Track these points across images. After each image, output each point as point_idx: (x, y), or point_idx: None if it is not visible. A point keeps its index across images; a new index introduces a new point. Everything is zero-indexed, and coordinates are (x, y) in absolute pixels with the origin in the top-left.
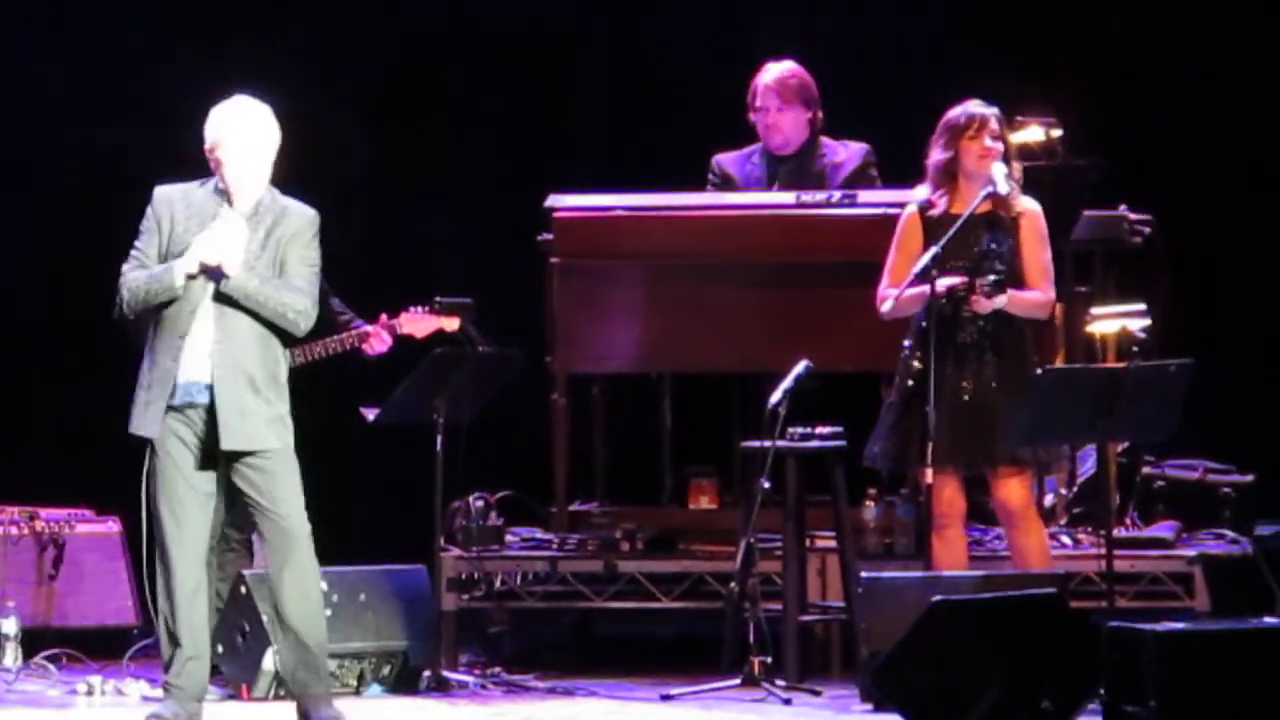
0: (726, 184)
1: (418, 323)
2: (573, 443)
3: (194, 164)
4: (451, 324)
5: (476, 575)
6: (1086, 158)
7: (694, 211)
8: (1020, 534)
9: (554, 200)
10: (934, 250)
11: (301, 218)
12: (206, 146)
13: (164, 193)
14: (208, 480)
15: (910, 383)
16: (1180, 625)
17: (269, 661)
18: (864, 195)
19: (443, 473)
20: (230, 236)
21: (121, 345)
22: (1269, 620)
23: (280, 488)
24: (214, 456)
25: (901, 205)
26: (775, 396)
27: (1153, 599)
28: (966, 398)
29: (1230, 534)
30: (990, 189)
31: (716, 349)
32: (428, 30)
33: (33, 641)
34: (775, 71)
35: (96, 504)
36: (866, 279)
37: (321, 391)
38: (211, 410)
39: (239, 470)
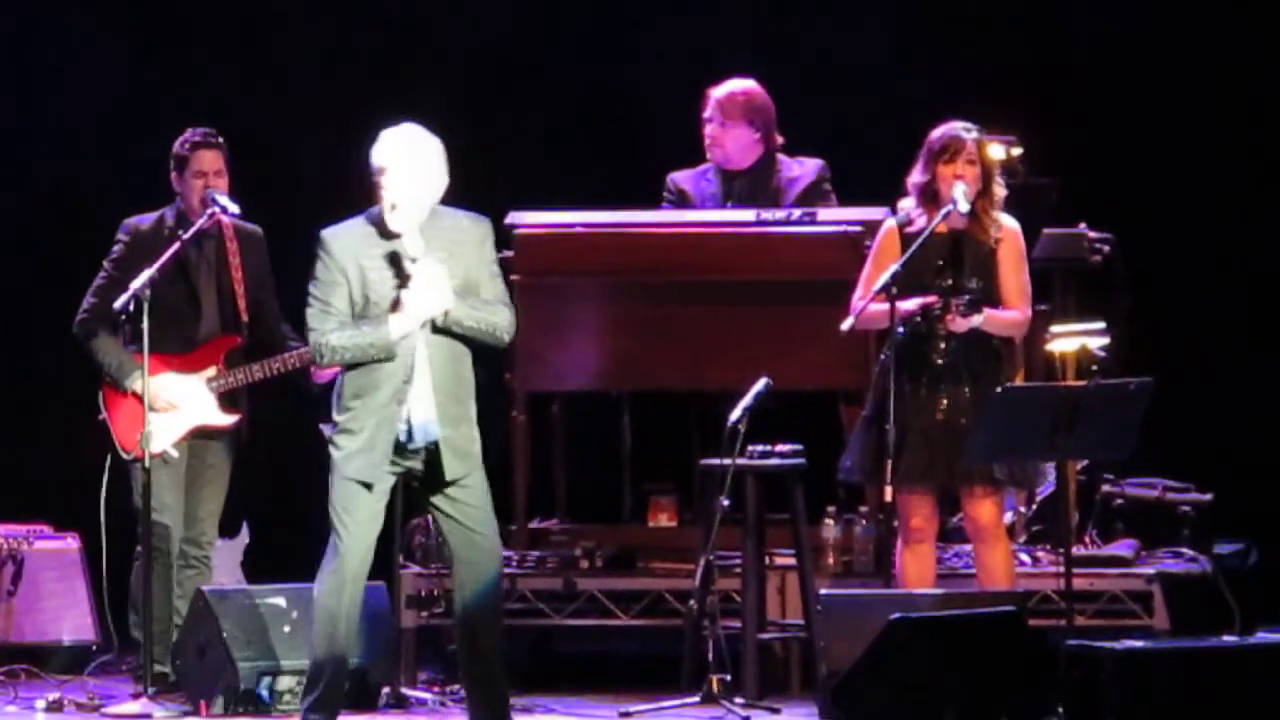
0: (682, 201)
1: None
2: (532, 460)
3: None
4: None
5: (436, 592)
6: (1047, 177)
7: (655, 229)
8: (988, 550)
9: (514, 217)
10: (894, 268)
11: (478, 226)
12: (373, 172)
13: (338, 240)
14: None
15: (882, 399)
16: (1139, 644)
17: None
18: (823, 213)
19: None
20: (432, 278)
21: (84, 365)
22: (1228, 639)
23: (481, 503)
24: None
25: (861, 223)
26: (735, 414)
27: (1112, 617)
28: (941, 417)
29: (1189, 552)
30: (950, 207)
31: (676, 367)
32: (390, 47)
33: None
34: (727, 87)
35: (55, 521)
36: (826, 297)
37: (282, 409)
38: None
39: (443, 494)
